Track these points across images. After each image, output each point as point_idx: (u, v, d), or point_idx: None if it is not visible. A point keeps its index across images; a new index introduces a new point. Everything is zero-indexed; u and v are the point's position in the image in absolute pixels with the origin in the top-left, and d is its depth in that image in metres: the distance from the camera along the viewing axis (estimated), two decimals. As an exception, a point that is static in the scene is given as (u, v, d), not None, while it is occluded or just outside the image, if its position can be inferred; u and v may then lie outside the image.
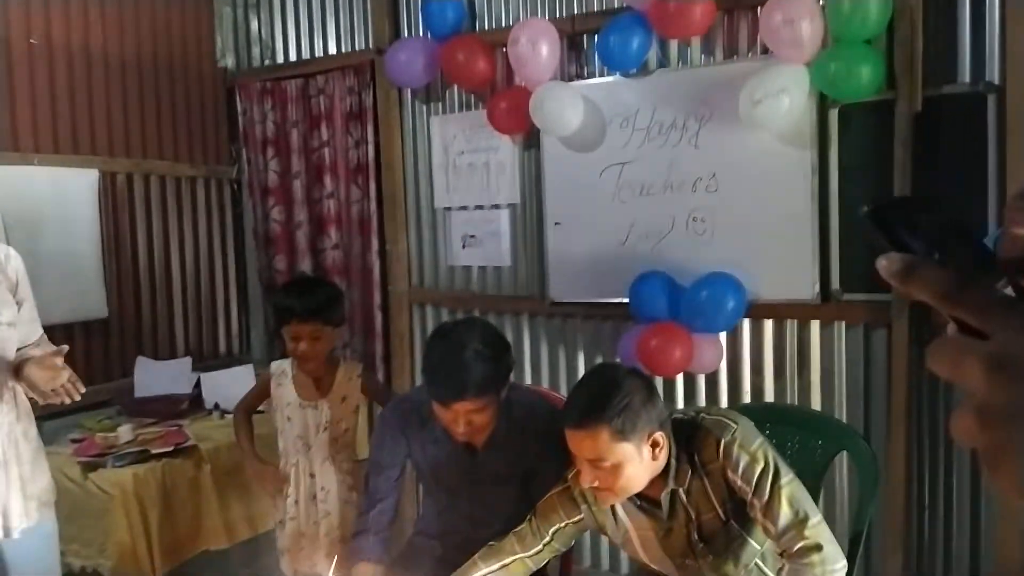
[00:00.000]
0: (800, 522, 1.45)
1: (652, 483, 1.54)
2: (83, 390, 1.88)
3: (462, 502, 1.92)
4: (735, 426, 1.53)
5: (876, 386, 2.54)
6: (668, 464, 1.55)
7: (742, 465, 1.49)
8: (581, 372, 3.07)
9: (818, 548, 1.44)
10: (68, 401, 1.86)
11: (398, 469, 1.94)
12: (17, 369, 1.85)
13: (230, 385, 3.17)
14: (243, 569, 2.84)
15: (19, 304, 1.94)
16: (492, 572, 1.65)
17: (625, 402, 1.47)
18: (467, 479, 1.91)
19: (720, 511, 1.55)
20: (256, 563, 2.83)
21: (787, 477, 1.49)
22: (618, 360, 2.64)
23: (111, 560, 2.43)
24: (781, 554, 1.50)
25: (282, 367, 2.33)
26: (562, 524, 1.68)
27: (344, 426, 2.31)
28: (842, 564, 1.46)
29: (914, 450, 2.50)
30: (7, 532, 1.89)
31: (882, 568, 2.49)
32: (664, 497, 1.57)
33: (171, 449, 2.61)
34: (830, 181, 2.50)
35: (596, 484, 1.51)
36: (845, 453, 2.44)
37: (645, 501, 1.61)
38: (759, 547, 1.59)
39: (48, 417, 2.74)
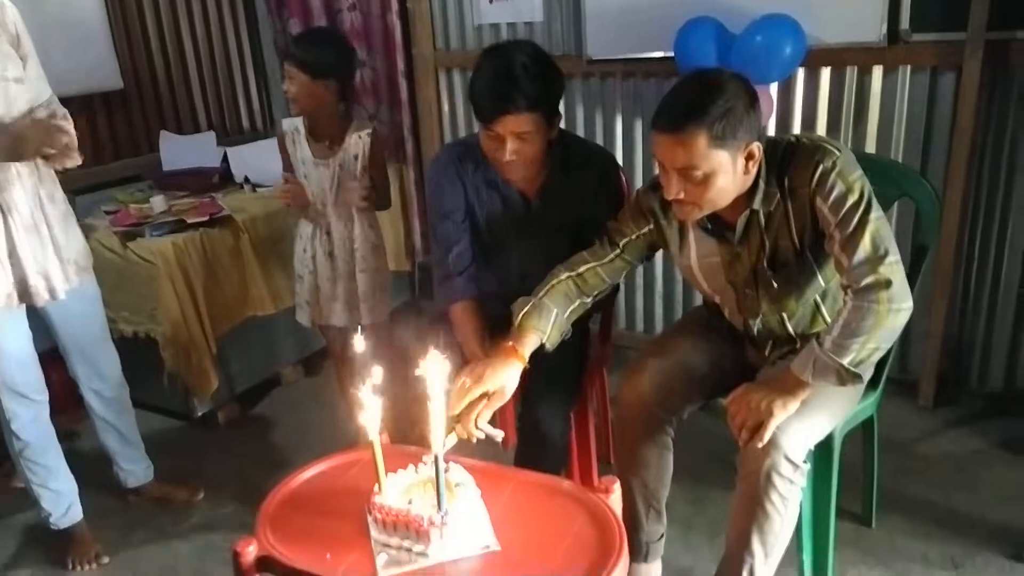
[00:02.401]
0: (878, 258, 1.37)
1: (731, 205, 1.46)
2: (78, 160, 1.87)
3: (514, 256, 1.88)
4: (838, 154, 1.41)
5: (937, 135, 2.40)
6: (754, 186, 1.46)
7: (835, 193, 1.39)
8: (620, 136, 2.94)
9: (887, 285, 1.37)
10: (61, 166, 1.87)
11: (462, 212, 1.87)
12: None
13: (257, 158, 3.11)
14: (291, 335, 2.93)
15: (23, 60, 1.83)
16: (571, 278, 1.64)
17: (728, 106, 1.34)
18: (520, 230, 1.85)
19: (797, 240, 1.49)
20: (303, 328, 2.90)
21: (877, 213, 1.40)
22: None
23: (163, 325, 2.51)
24: (846, 290, 1.43)
25: (294, 124, 2.25)
26: (632, 236, 1.64)
27: (355, 183, 2.23)
28: (908, 305, 1.40)
29: (970, 201, 2.41)
30: (52, 294, 1.91)
31: (926, 317, 2.48)
32: (740, 221, 1.50)
33: (207, 219, 2.58)
34: None
35: (682, 196, 1.42)
36: (895, 207, 2.39)
37: (717, 225, 1.55)
38: (824, 284, 1.54)
39: (80, 192, 2.72)
